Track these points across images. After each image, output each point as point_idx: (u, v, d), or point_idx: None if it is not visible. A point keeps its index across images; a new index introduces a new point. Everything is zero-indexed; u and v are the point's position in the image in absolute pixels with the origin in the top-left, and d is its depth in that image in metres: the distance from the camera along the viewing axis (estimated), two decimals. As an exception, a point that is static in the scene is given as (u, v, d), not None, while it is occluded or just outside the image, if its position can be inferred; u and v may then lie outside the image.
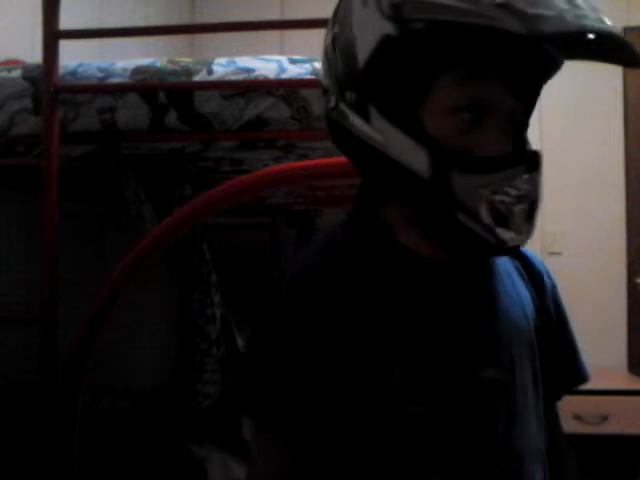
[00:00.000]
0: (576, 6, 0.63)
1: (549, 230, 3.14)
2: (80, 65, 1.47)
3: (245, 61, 1.42)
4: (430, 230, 0.74)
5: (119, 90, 1.42)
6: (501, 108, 0.70)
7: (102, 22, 2.59)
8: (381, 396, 0.71)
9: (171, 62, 1.44)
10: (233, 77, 1.40)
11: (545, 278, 0.85)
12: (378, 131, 0.71)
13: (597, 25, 0.62)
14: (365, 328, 0.72)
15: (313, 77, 1.38)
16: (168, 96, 1.40)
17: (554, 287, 0.85)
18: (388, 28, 0.68)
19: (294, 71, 1.39)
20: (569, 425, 2.84)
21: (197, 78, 1.40)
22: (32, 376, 1.40)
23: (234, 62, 1.42)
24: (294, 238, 2.81)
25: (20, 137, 1.47)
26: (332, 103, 0.76)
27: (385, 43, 0.69)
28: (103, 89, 1.43)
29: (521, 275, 0.82)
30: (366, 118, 0.72)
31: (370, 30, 0.70)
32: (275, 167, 1.36)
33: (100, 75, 1.44)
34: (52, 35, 1.34)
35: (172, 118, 1.41)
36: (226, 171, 1.73)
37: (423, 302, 0.74)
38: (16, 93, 1.45)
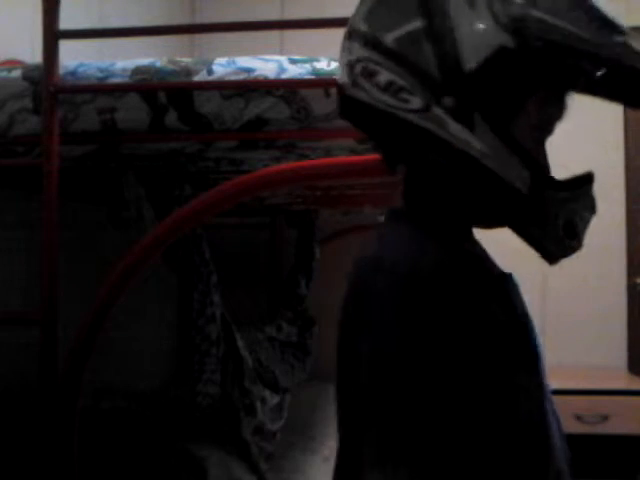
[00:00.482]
0: None
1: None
2: (80, 65, 1.47)
3: (245, 61, 1.42)
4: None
5: (119, 90, 1.42)
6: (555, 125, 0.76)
7: (102, 22, 2.58)
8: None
9: (171, 62, 1.44)
10: (233, 77, 1.40)
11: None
12: (482, 141, 0.70)
13: None
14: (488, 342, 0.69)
15: (313, 77, 1.38)
16: (168, 96, 1.40)
17: None
18: (506, 40, 0.68)
19: (294, 71, 1.39)
20: (569, 425, 2.84)
21: (197, 78, 1.40)
22: (32, 376, 1.40)
23: (234, 62, 1.42)
24: (294, 238, 2.81)
25: (20, 137, 1.46)
26: (416, 105, 0.72)
27: (501, 54, 0.69)
28: (103, 89, 1.43)
29: None
30: (470, 126, 0.70)
31: (482, 36, 0.69)
32: (275, 167, 1.36)
33: (100, 75, 1.44)
34: (52, 35, 1.34)
35: (172, 118, 1.41)
36: (226, 171, 1.73)
37: (507, 313, 0.75)
38: (16, 93, 1.45)
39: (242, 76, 1.39)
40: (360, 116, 0.78)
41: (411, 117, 0.72)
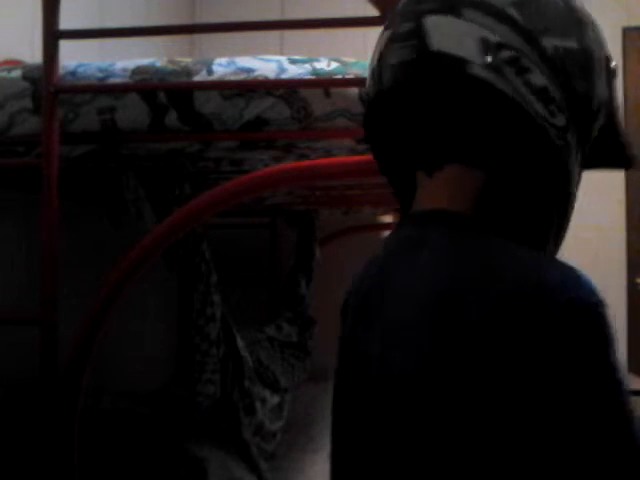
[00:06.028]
0: None
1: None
2: (80, 65, 1.47)
3: (245, 61, 1.42)
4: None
5: (119, 90, 1.42)
6: None
7: (102, 22, 2.59)
8: None
9: (171, 62, 1.44)
10: (233, 77, 1.40)
11: None
12: (575, 178, 0.72)
13: None
14: None
15: (313, 77, 1.38)
16: (168, 96, 1.40)
17: None
18: (606, 95, 0.72)
19: (294, 71, 1.39)
20: (569, 425, 2.84)
21: (197, 78, 1.40)
22: (32, 376, 1.40)
23: (234, 62, 1.42)
24: (294, 238, 2.82)
25: (20, 137, 1.46)
26: (560, 122, 0.68)
27: (605, 107, 0.72)
28: (103, 89, 1.43)
29: None
30: (580, 161, 0.72)
31: (602, 84, 0.72)
32: (275, 167, 1.36)
33: (100, 75, 1.44)
34: (52, 35, 1.33)
35: (172, 118, 1.41)
36: (226, 171, 1.73)
37: None
38: (16, 93, 1.45)
39: (242, 76, 1.39)
40: (462, 100, 0.71)
41: (552, 132, 0.68)
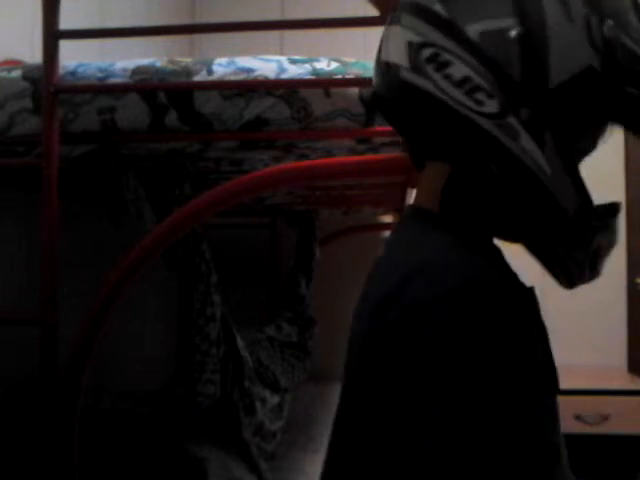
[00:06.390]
0: None
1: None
2: (80, 65, 1.46)
3: (245, 61, 1.42)
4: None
5: (119, 90, 1.42)
6: None
7: (102, 22, 2.59)
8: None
9: (171, 62, 1.44)
10: (233, 77, 1.40)
11: None
12: (547, 160, 0.66)
13: None
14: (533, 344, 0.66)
15: (313, 77, 1.38)
16: (168, 96, 1.40)
17: None
18: (595, 61, 0.65)
19: (294, 71, 1.39)
20: (569, 425, 2.84)
21: (197, 78, 1.40)
22: (32, 376, 1.40)
23: (234, 62, 1.42)
24: (294, 238, 2.82)
25: (20, 137, 1.46)
26: (492, 108, 0.66)
27: (587, 74, 0.65)
28: (103, 89, 1.43)
29: None
30: (541, 144, 0.66)
31: (575, 52, 0.65)
32: (275, 167, 1.36)
33: (100, 75, 1.44)
34: (52, 35, 1.33)
35: (172, 118, 1.41)
36: (226, 171, 1.73)
37: (538, 328, 0.71)
38: (16, 93, 1.45)
39: (242, 76, 1.39)
40: (404, 105, 0.71)
41: (481, 121, 0.67)
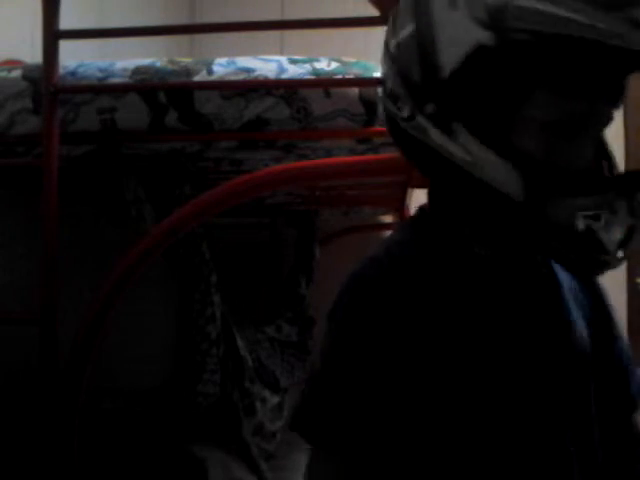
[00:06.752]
0: None
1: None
2: (80, 65, 1.46)
3: (245, 61, 1.42)
4: (517, 247, 0.72)
5: (119, 90, 1.42)
6: (599, 120, 0.65)
7: (102, 22, 2.59)
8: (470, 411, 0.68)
9: (171, 62, 1.44)
10: (233, 77, 1.40)
11: (599, 288, 0.82)
12: (464, 148, 0.65)
13: None
14: (444, 341, 0.68)
15: (313, 77, 1.38)
16: (168, 96, 1.40)
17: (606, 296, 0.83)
18: (483, 36, 0.61)
19: (294, 71, 1.39)
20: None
21: (197, 78, 1.40)
22: (32, 375, 1.40)
23: (234, 62, 1.42)
24: (294, 238, 2.82)
25: (20, 137, 1.46)
26: (405, 113, 0.69)
27: (478, 53, 0.62)
28: (103, 89, 1.43)
29: (578, 286, 0.79)
30: (449, 134, 0.66)
31: (459, 36, 0.63)
32: (275, 167, 1.36)
33: (100, 75, 1.44)
34: (52, 35, 1.33)
35: (172, 118, 1.41)
36: (226, 171, 1.73)
37: (501, 315, 0.70)
38: (16, 93, 1.45)
39: (242, 76, 1.39)
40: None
41: (404, 125, 0.70)
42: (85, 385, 1.33)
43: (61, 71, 1.39)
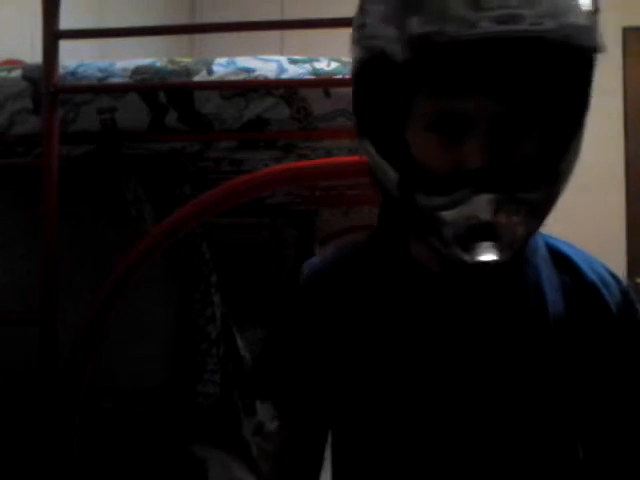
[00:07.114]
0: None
1: (549, 230, 3.14)
2: (80, 65, 1.47)
3: (245, 61, 1.42)
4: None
5: (119, 90, 1.42)
6: (483, 117, 0.63)
7: (102, 22, 2.59)
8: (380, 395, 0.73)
9: (171, 62, 1.44)
10: (233, 77, 1.40)
11: (602, 292, 0.80)
12: (362, 148, 0.72)
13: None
14: (365, 334, 0.75)
15: (313, 77, 1.38)
16: (168, 96, 1.40)
17: (621, 306, 0.79)
18: (358, 52, 0.68)
19: (294, 71, 1.39)
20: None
21: (197, 78, 1.40)
22: (32, 375, 1.40)
23: (234, 62, 1.42)
24: (294, 238, 2.81)
25: (20, 137, 1.46)
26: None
27: (360, 67, 0.68)
28: (103, 89, 1.43)
29: (567, 292, 0.77)
30: (360, 138, 0.72)
31: (353, 55, 0.70)
32: (275, 167, 1.36)
33: (100, 75, 1.44)
34: (52, 35, 1.33)
35: (172, 118, 1.41)
36: (226, 171, 1.73)
37: (422, 316, 0.72)
38: (16, 93, 1.45)
39: (242, 76, 1.39)
40: None
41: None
42: (85, 385, 1.33)
43: (61, 71, 1.39)
